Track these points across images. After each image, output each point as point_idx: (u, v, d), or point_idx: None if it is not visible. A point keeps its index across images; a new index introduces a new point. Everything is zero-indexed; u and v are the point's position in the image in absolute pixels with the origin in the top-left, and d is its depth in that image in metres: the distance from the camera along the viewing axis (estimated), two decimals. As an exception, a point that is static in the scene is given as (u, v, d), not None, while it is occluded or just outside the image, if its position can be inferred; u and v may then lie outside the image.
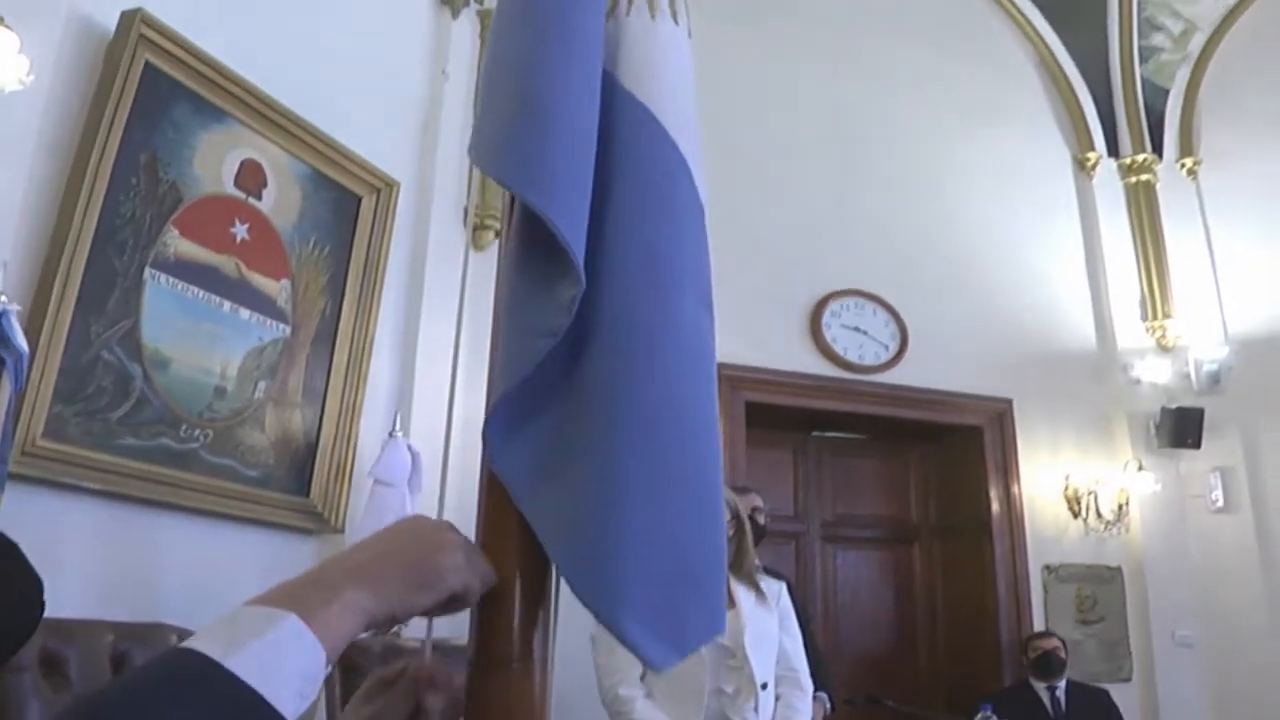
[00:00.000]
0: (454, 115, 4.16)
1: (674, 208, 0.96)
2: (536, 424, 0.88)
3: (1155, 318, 6.01)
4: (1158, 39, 6.80)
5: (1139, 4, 6.69)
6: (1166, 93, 6.75)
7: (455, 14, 4.33)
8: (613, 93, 0.96)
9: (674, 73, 1.01)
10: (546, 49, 0.91)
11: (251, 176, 3.31)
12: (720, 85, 5.13)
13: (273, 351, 3.38)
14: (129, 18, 2.89)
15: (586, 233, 0.87)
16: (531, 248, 0.88)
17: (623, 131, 0.95)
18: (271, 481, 3.33)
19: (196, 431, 3.08)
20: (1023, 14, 6.67)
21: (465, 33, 4.40)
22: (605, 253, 0.89)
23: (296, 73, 3.45)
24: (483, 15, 4.41)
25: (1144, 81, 6.68)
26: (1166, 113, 6.70)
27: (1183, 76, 6.77)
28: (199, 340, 3.10)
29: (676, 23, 1.04)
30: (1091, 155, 6.39)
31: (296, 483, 3.43)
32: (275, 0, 3.48)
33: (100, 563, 2.77)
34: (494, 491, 0.84)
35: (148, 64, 2.95)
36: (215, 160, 3.19)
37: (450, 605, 0.76)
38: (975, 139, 6.04)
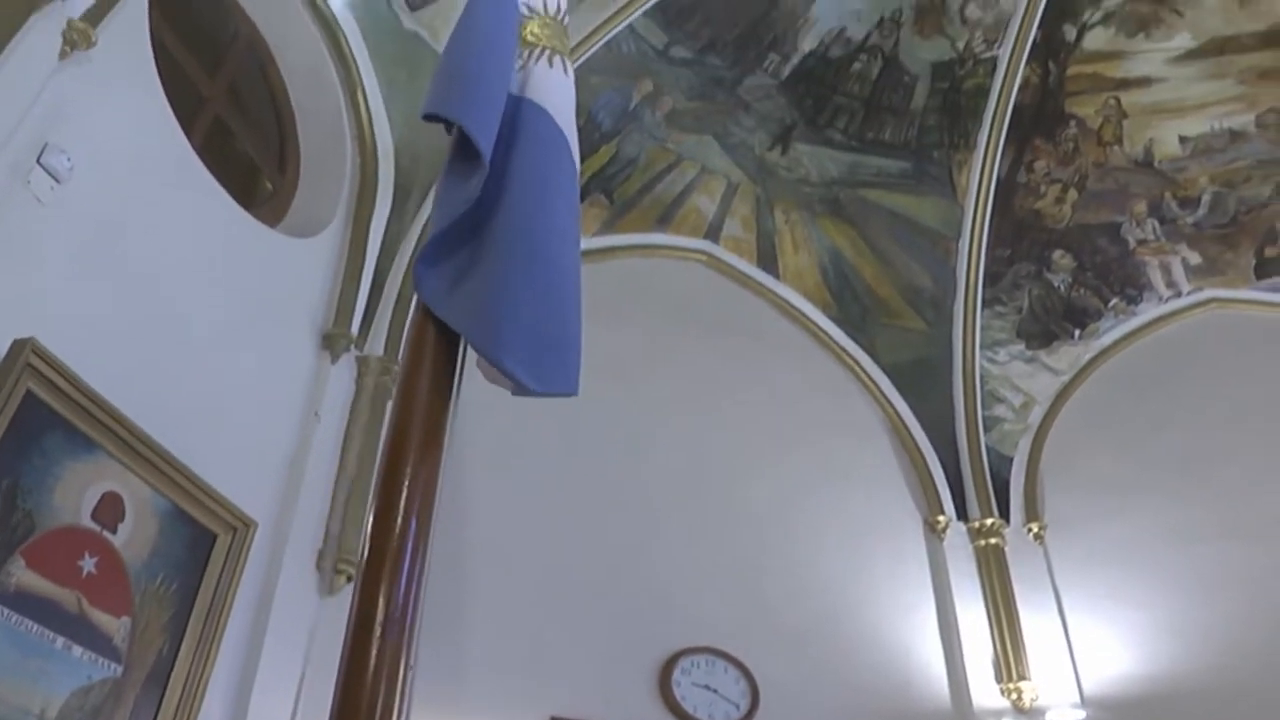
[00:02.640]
0: (322, 457, 4.51)
1: (560, 159, 1.80)
2: (454, 257, 1.57)
3: (1010, 679, 6.41)
4: (1000, 410, 7.77)
5: (981, 377, 7.71)
6: (1010, 460, 7.60)
7: (335, 359, 4.81)
8: (525, 103, 1.81)
9: (562, 96, 1.89)
10: (477, 47, 1.78)
11: (110, 509, 3.51)
12: (574, 438, 5.73)
13: (99, 692, 3.41)
14: (19, 346, 3.16)
15: (506, 163, 1.66)
16: (463, 157, 1.62)
17: (532, 121, 1.79)
18: (72, 840, 3.24)
19: (-1, 779, 3.05)
20: (874, 381, 7.60)
21: (343, 377, 4.85)
22: (515, 175, 1.67)
23: (174, 407, 3.77)
24: (360, 361, 4.92)
25: (989, 449, 7.54)
26: (1011, 479, 7.51)
27: (1024, 446, 7.67)
28: (24, 677, 3.14)
29: (565, 73, 1.94)
30: (941, 518, 7.07)
31: (100, 842, 3.34)
32: (164, 335, 3.87)
33: None
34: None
35: (29, 392, 3.22)
36: (76, 491, 3.40)
37: None
38: (829, 499, 6.67)
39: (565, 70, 1.95)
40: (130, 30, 4.09)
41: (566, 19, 2.10)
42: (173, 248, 4.05)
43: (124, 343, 3.68)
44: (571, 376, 1.52)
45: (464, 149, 1.62)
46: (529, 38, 1.94)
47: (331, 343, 4.84)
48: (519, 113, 1.79)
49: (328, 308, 4.94)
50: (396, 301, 5.13)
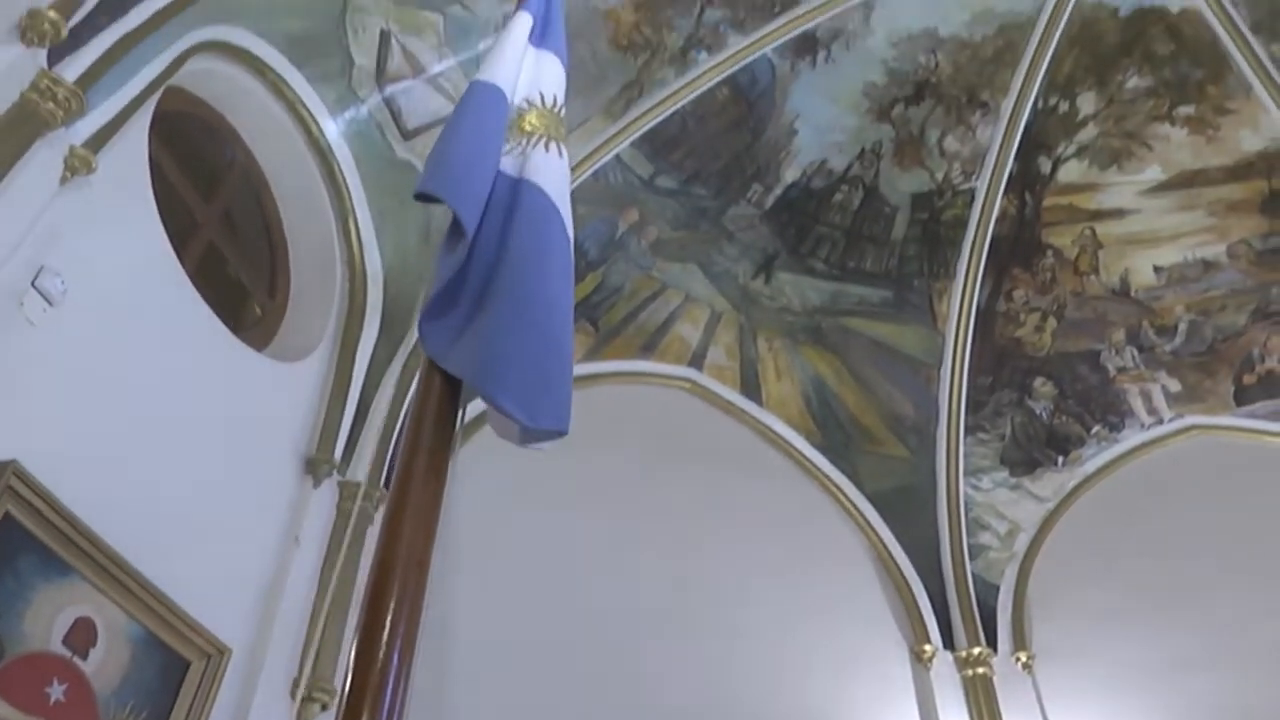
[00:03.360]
0: (299, 584, 4.45)
1: (554, 231, 2.03)
2: (455, 314, 1.79)
3: (998, 814, 6.25)
4: (985, 537, 7.74)
5: (966, 504, 7.71)
6: (997, 588, 7.55)
7: (317, 483, 4.81)
8: (524, 184, 2.06)
9: (557, 176, 2.15)
10: (465, 134, 2.08)
11: (82, 635, 3.45)
12: (560, 562, 5.70)
13: (59, 829, 3.29)
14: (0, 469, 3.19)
15: (506, 234, 1.93)
16: (457, 228, 1.88)
17: (530, 199, 2.03)
18: None
19: None
20: (858, 509, 7.59)
21: (324, 501, 4.85)
22: (513, 243, 1.92)
23: (153, 531, 3.74)
24: (343, 486, 4.91)
25: (975, 577, 7.50)
26: (998, 608, 7.45)
27: (1010, 574, 7.62)
28: (-18, 813, 3.04)
29: (560, 156, 2.20)
30: (928, 647, 6.98)
31: None
32: (148, 458, 3.87)
33: None
34: None
35: (6, 514, 3.20)
36: (48, 616, 3.35)
37: None
38: (814, 627, 6.59)
39: (560, 154, 2.25)
40: (130, 157, 4.23)
41: (562, 111, 2.39)
42: (161, 371, 4.09)
43: (107, 466, 3.68)
44: (564, 415, 1.70)
45: (459, 222, 1.90)
46: (527, 127, 2.24)
47: (314, 467, 4.85)
48: (519, 192, 2.06)
49: (312, 432, 4.97)
50: (381, 427, 5.17)
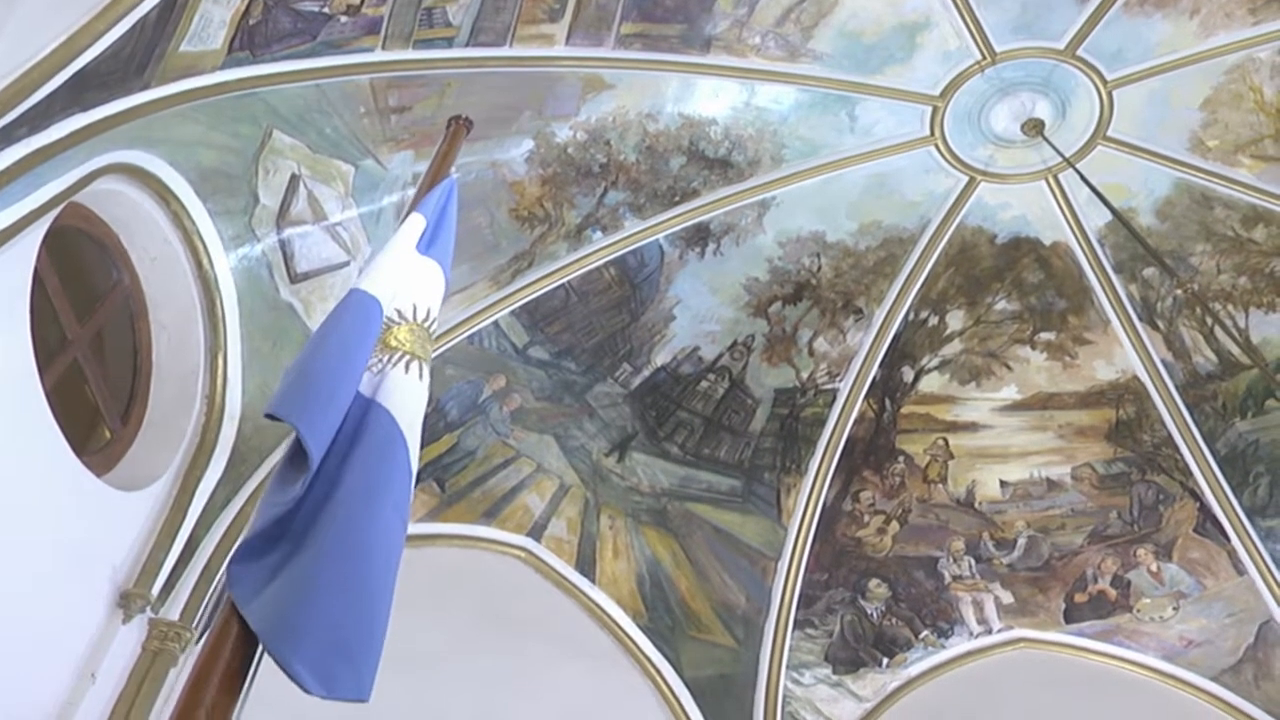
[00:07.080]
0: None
1: (395, 463, 1.95)
2: (269, 556, 1.67)
3: None
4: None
5: (784, 698, 7.96)
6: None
7: (127, 619, 4.80)
8: (374, 406, 2.01)
9: (412, 401, 2.09)
10: (329, 354, 2.03)
11: None
12: None
13: None
14: None
15: (342, 466, 1.84)
16: (297, 457, 1.80)
17: (376, 425, 1.97)
18: None
19: None
20: (675, 694, 7.78)
21: (130, 639, 4.82)
22: (347, 478, 1.82)
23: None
24: (153, 624, 4.92)
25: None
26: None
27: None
28: None
29: (420, 378, 2.14)
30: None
31: None
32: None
33: None
34: None
35: None
36: None
37: None
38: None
39: (421, 375, 2.19)
40: (15, 267, 4.34)
41: (434, 326, 2.36)
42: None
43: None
44: (364, 684, 1.62)
45: (299, 451, 1.81)
46: (393, 343, 2.18)
47: (128, 601, 4.84)
48: (366, 415, 1.98)
49: (133, 565, 4.97)
50: (204, 568, 5.19)
